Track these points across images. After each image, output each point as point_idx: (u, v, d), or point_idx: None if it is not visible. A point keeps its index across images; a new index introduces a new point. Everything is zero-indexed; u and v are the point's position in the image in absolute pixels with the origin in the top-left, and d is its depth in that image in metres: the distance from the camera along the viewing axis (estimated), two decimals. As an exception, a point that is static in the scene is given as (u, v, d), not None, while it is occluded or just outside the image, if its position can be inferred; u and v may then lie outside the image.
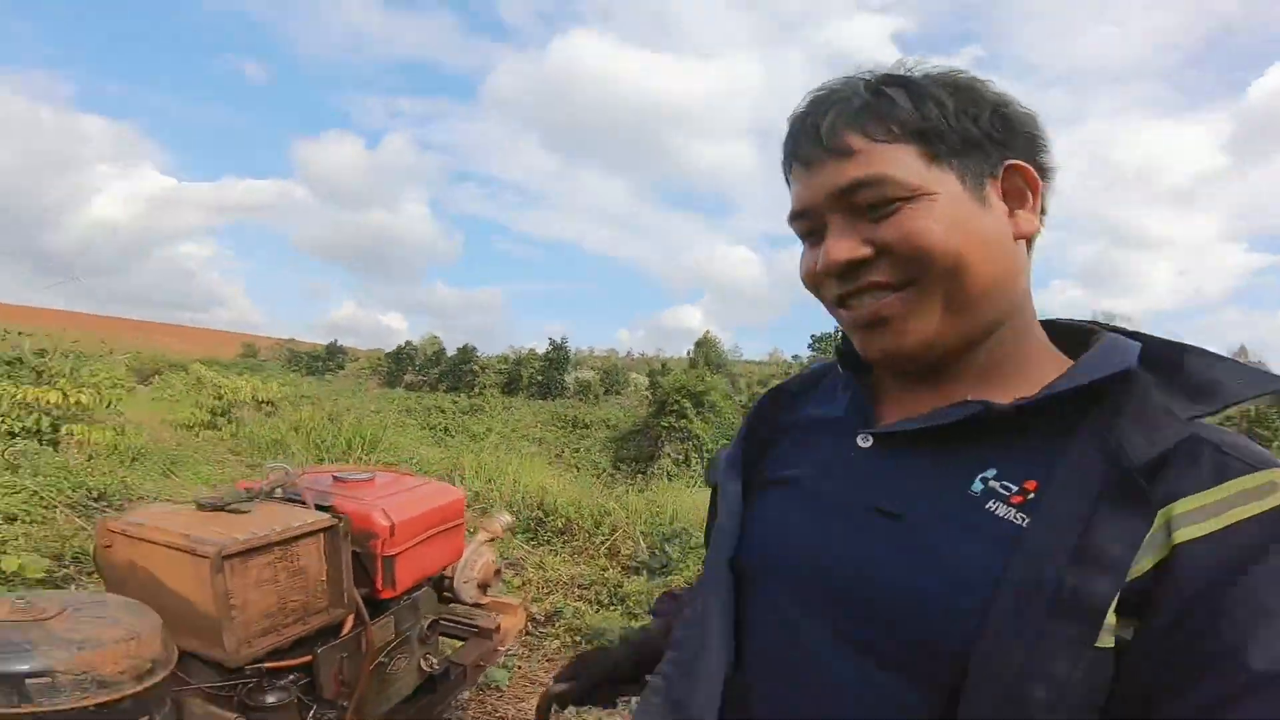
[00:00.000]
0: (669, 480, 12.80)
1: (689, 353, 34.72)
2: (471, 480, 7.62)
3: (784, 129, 0.65)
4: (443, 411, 24.69)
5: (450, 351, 39.83)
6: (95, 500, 5.61)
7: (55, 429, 8.12)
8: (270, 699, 1.53)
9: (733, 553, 0.67)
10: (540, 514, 6.48)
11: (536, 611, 4.17)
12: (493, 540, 2.39)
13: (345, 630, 1.71)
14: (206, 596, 1.36)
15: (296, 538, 1.48)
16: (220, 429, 12.14)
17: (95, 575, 4.08)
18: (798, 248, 0.67)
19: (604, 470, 16.46)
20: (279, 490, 1.64)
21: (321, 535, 1.53)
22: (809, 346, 28.97)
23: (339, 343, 47.69)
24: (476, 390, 34.31)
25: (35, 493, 5.11)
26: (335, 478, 1.86)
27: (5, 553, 3.63)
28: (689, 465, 17.04)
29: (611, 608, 4.34)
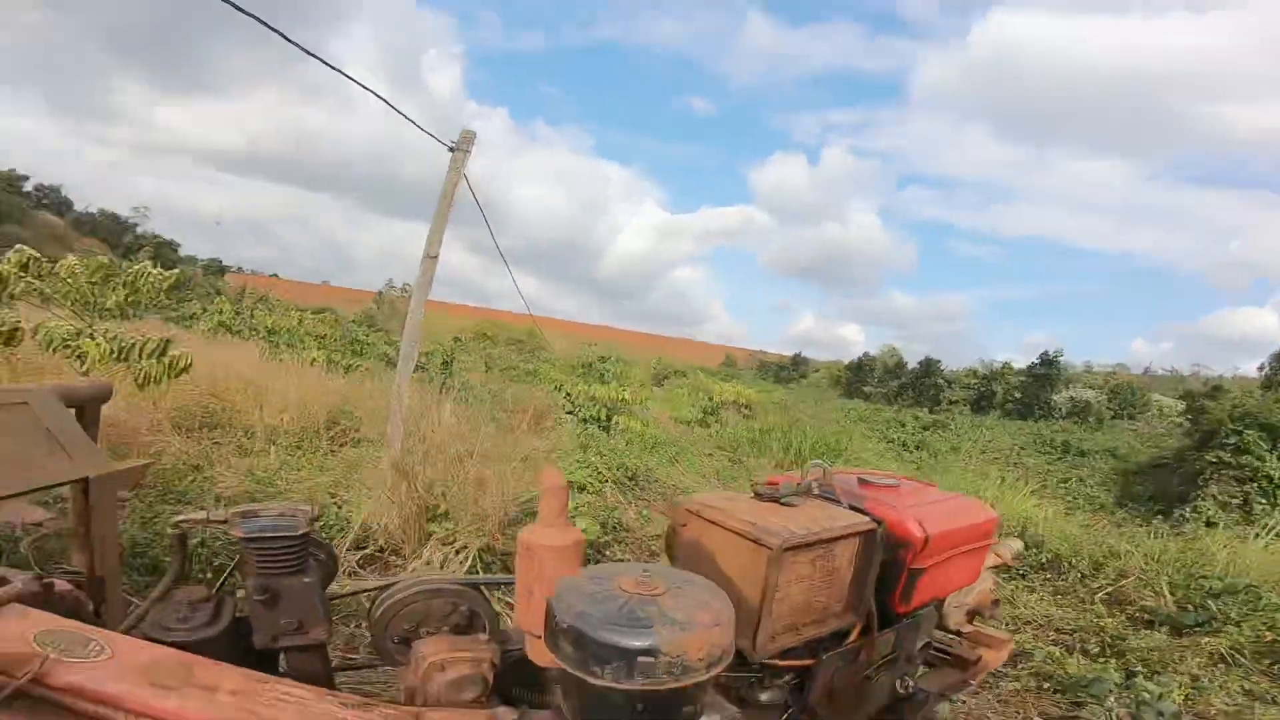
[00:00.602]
0: (1208, 528, 9.74)
1: (1262, 368, 24.92)
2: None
3: None
4: (902, 425, 23.70)
5: (910, 363, 38.08)
6: (630, 479, 7.10)
7: (609, 418, 10.75)
8: (764, 696, 1.50)
9: None
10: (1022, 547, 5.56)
11: (1007, 648, 3.65)
12: (997, 568, 2.18)
13: (850, 639, 1.63)
14: (758, 586, 1.34)
15: (839, 538, 1.42)
16: (709, 426, 14.16)
17: (620, 545, 5.07)
18: None
19: (1104, 507, 13.46)
20: (815, 487, 1.61)
21: (860, 538, 1.45)
22: None
23: (802, 354, 50.86)
24: (941, 406, 31.88)
25: (596, 469, 6.74)
26: (860, 479, 1.78)
27: (574, 519, 4.79)
28: (1248, 511, 12.93)
29: (1103, 660, 3.70)
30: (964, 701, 3.11)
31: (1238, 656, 3.76)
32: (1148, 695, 3.07)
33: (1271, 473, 13.52)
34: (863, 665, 1.64)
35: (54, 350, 4.09)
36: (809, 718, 1.63)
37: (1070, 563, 5.44)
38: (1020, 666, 3.48)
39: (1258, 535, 6.79)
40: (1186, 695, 3.26)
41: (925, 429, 23.63)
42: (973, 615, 2.11)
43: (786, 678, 1.53)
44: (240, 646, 1.45)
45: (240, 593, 1.63)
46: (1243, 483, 13.70)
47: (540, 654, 1.42)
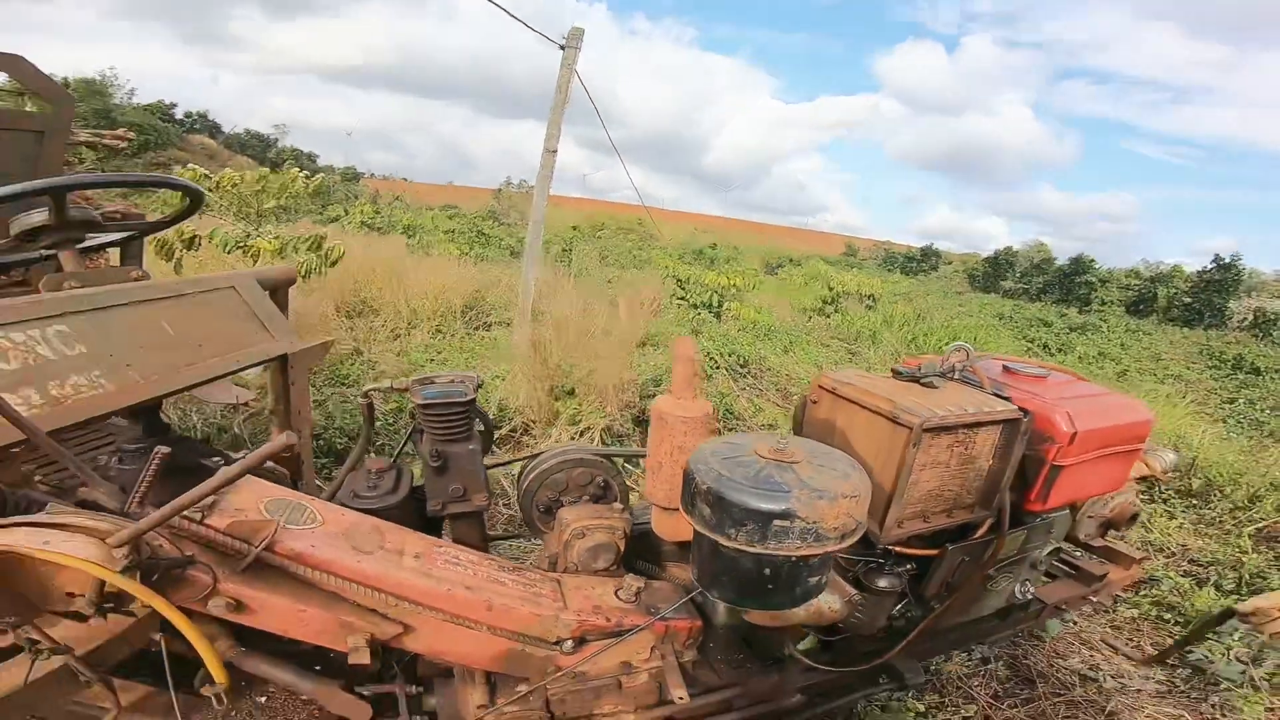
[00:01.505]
0: None
1: None
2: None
3: None
4: (1046, 325, 21.69)
5: (1060, 260, 34.32)
6: (741, 366, 7.12)
7: (720, 304, 10.72)
8: (882, 583, 1.50)
9: None
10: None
11: (1132, 572, 3.40)
12: (1145, 479, 2.01)
13: (978, 533, 1.58)
14: (891, 467, 1.33)
15: (980, 424, 1.35)
16: (828, 316, 13.75)
17: (731, 433, 5.14)
18: None
19: (1274, 434, 11.79)
20: (958, 370, 1.56)
21: (1002, 427, 1.39)
22: None
23: (933, 246, 47.14)
24: (1092, 306, 28.82)
25: (708, 354, 6.81)
26: (1005, 367, 1.69)
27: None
28: None
29: (1238, 597, 3.27)
30: (1075, 622, 2.98)
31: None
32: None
33: None
34: (987, 563, 1.61)
35: (229, 251, 4.65)
36: (923, 613, 1.65)
37: (1223, 491, 4.86)
38: (1142, 593, 3.27)
39: None
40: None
41: (1072, 330, 21.52)
42: (1107, 528, 1.98)
43: (908, 566, 1.53)
44: (416, 512, 1.68)
45: (415, 462, 1.88)
46: None
47: (664, 527, 1.54)
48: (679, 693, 1.38)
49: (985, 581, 1.71)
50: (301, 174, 5.25)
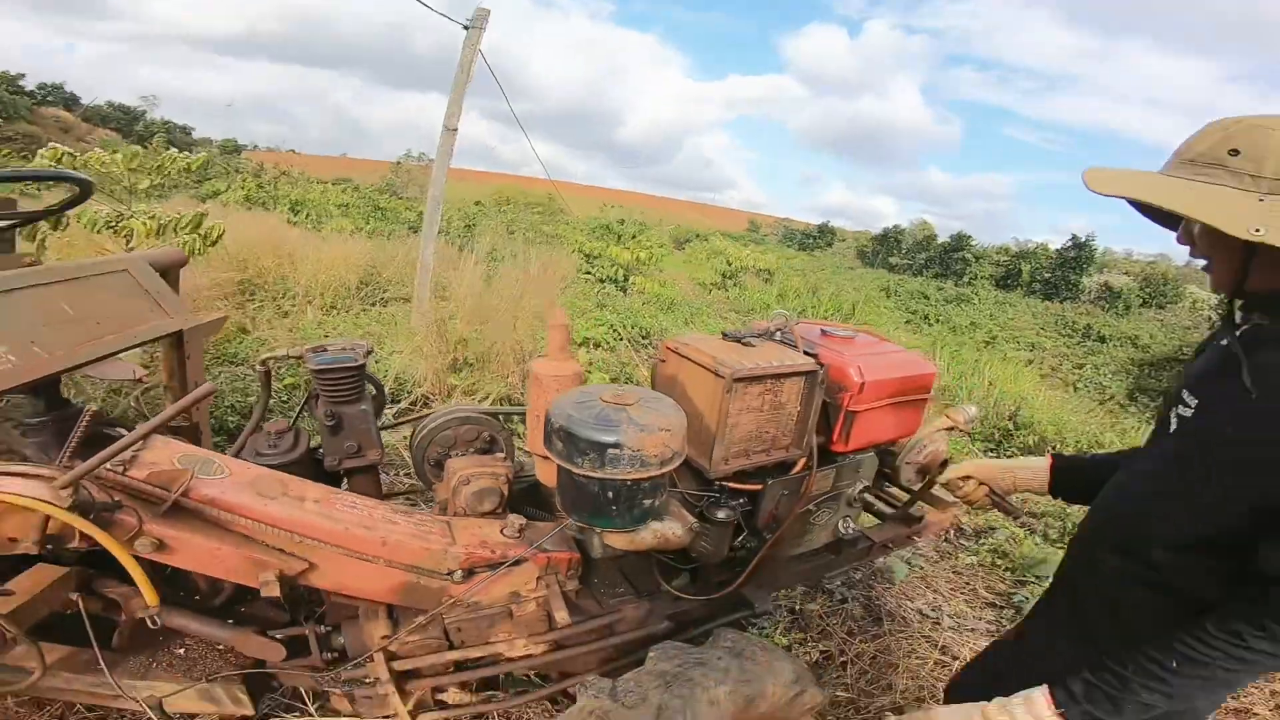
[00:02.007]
0: None
1: None
2: (942, 371, 7.31)
3: None
4: (925, 298, 23.52)
5: (942, 238, 37.09)
6: (644, 338, 7.47)
7: (626, 278, 11.03)
8: (720, 514, 1.75)
9: None
10: (1010, 426, 5.92)
11: (967, 524, 3.91)
12: (951, 430, 2.19)
13: (795, 470, 1.85)
14: (715, 411, 1.58)
15: (785, 375, 1.64)
16: (727, 290, 14.37)
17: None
18: None
19: (1111, 397, 13.17)
20: (779, 333, 1.89)
21: (804, 378, 1.72)
22: None
23: (829, 223, 49.55)
24: (966, 280, 31.42)
25: (612, 326, 7.10)
26: (823, 331, 2.02)
27: (590, 373, 5.19)
28: None
29: (1059, 545, 3.81)
30: (922, 568, 3.35)
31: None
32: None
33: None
34: (805, 498, 1.88)
35: (98, 231, 4.42)
36: (758, 543, 1.89)
37: (1055, 448, 5.56)
38: (982, 542, 3.71)
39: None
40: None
41: (948, 302, 23.47)
42: (923, 473, 2.21)
43: (740, 500, 1.78)
44: (315, 469, 1.84)
45: (311, 423, 2.02)
46: (1257, 382, 13.25)
47: (545, 474, 1.78)
48: (561, 615, 1.62)
49: (808, 516, 2.01)
50: (181, 154, 5.01)
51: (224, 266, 6.43)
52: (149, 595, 1.23)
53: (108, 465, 1.16)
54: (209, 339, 3.56)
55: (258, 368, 1.91)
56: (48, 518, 1.09)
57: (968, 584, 3.32)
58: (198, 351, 1.97)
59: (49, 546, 1.12)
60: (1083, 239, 31.09)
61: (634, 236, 15.11)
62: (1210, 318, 20.68)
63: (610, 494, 1.34)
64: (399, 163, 24.88)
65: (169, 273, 2.01)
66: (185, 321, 1.88)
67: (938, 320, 19.24)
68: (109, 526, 1.17)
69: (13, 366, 1.27)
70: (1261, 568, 0.93)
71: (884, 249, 38.95)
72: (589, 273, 10.96)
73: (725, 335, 1.78)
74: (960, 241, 34.85)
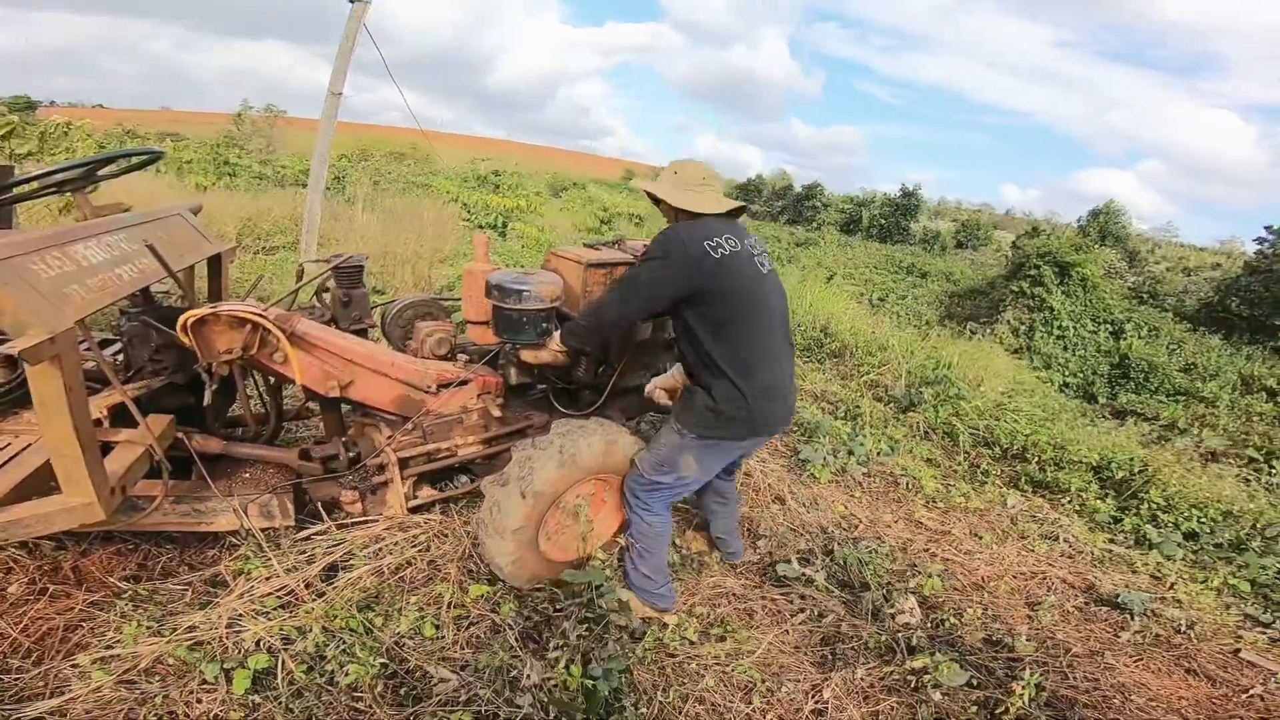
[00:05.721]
0: (999, 346, 11.67)
1: (1078, 220, 28.79)
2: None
3: None
4: (778, 241, 25.92)
5: (798, 188, 40.18)
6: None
7: (505, 224, 11.85)
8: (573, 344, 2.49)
9: None
10: (821, 336, 7.54)
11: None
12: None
13: None
14: (579, 285, 2.56)
15: (618, 264, 2.65)
16: (604, 234, 15.53)
17: None
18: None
19: (926, 323, 15.44)
20: (617, 245, 3.08)
21: (621, 267, 2.96)
22: (1261, 240, 19.34)
23: (699, 172, 51.37)
24: (815, 225, 34.56)
25: (496, 267, 8.01)
26: (644, 245, 2.94)
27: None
28: (1030, 337, 14.93)
29: (846, 421, 4.92)
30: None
31: (929, 431, 5.09)
32: (848, 438, 4.43)
33: (1054, 305, 15.37)
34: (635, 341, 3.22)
35: None
36: (612, 372, 2.92)
37: (851, 352, 6.99)
38: (792, 425, 4.46)
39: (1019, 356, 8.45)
40: (879, 450, 4.42)
41: (798, 245, 26.04)
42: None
43: None
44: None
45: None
46: (1032, 311, 15.48)
47: (476, 336, 2.91)
48: (496, 413, 2.79)
49: (640, 355, 3.13)
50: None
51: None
52: (299, 375, 2.27)
53: (260, 309, 2.17)
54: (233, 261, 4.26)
55: (296, 268, 2.88)
56: (249, 335, 2.12)
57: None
58: (228, 268, 2.89)
59: (234, 356, 2.14)
60: (911, 189, 35.07)
61: (510, 187, 15.75)
62: (1008, 256, 24.31)
63: (525, 319, 2.48)
64: (240, 115, 23.06)
65: (196, 214, 2.88)
66: (221, 247, 2.80)
67: (790, 261, 21.49)
68: (265, 346, 2.20)
69: (140, 273, 2.17)
70: None
71: (746, 197, 41.52)
72: (467, 219, 11.63)
73: (587, 244, 2.98)
74: (812, 191, 38.04)
